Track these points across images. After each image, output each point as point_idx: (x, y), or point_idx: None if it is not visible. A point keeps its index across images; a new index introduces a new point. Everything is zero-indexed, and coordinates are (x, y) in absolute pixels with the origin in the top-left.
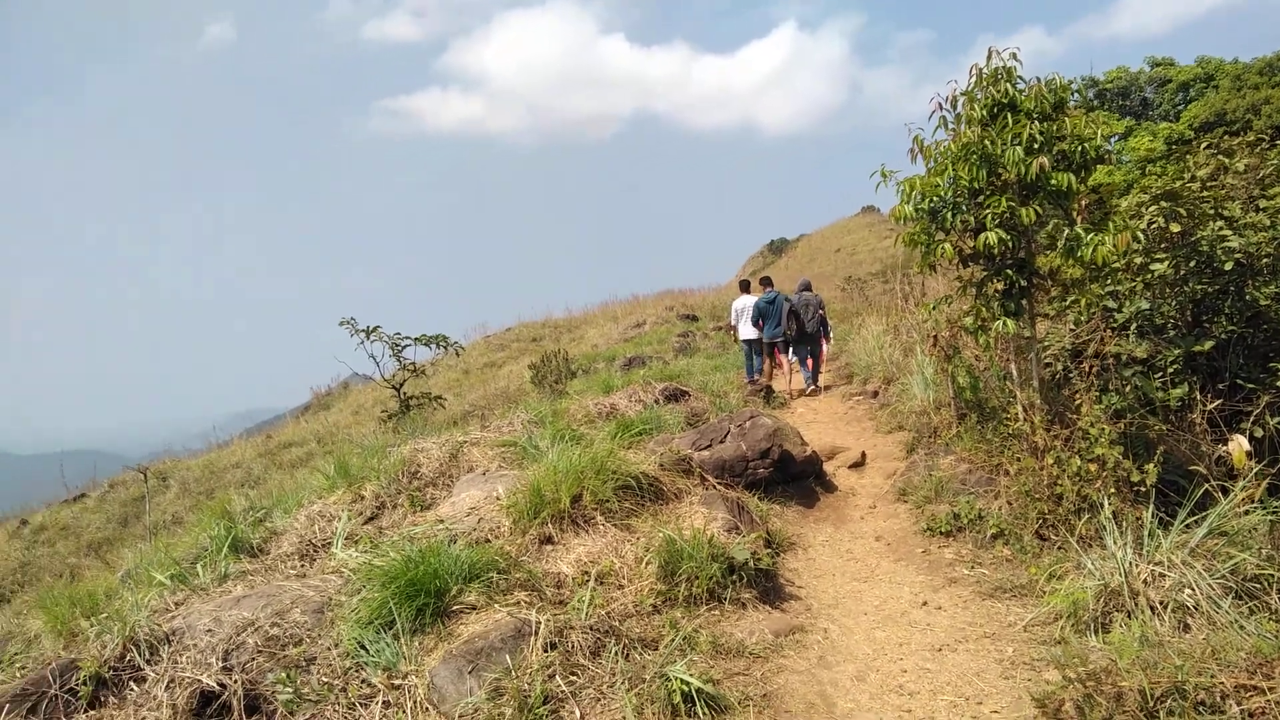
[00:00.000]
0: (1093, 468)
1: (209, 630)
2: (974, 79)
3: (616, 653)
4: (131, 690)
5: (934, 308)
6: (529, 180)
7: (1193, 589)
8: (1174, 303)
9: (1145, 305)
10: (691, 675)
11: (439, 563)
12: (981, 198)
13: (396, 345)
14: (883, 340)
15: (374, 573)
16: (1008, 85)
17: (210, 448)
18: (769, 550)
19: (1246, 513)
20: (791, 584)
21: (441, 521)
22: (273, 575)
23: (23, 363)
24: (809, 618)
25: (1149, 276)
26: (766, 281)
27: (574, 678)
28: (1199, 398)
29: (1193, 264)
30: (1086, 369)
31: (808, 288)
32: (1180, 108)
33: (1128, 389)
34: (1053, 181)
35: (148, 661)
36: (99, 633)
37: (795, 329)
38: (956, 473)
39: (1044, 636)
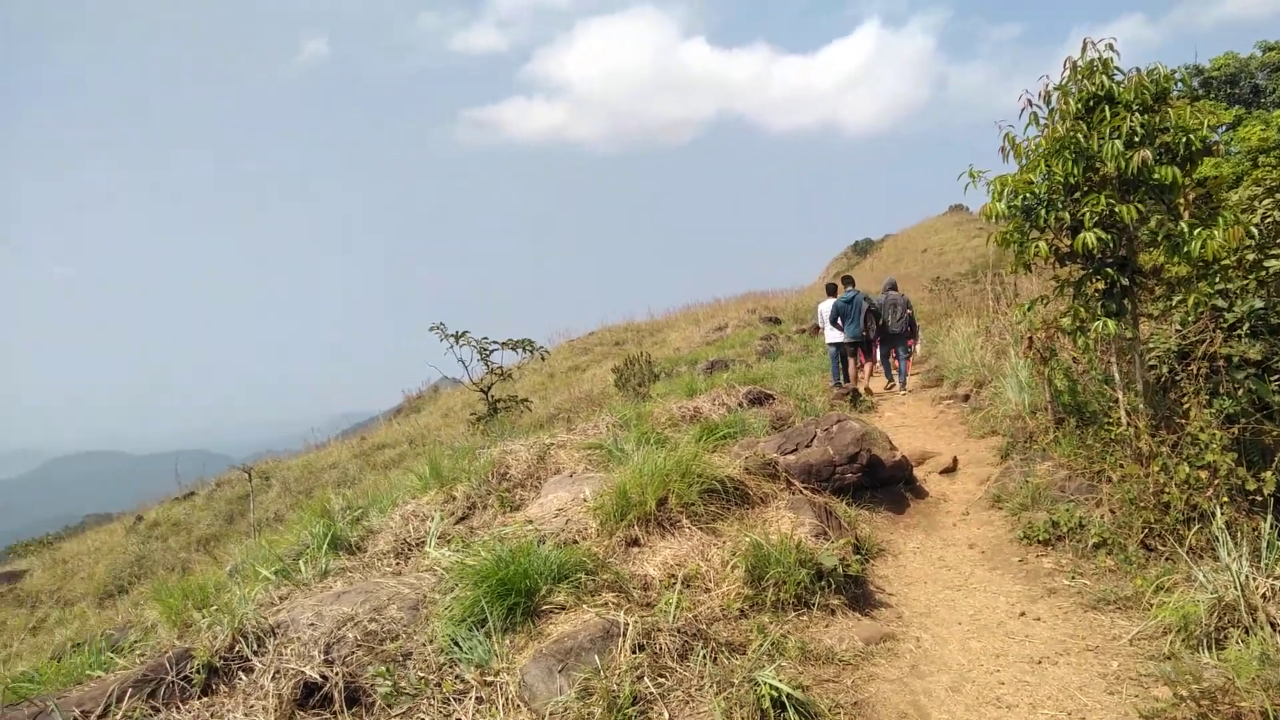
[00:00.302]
0: (1203, 475)
1: (311, 624)
2: (1068, 72)
3: (704, 656)
4: (240, 679)
5: (1029, 309)
6: (611, 186)
7: None
8: None
9: (1259, 304)
10: (781, 681)
11: (529, 563)
12: (1078, 194)
13: (484, 349)
14: (973, 342)
15: (466, 572)
16: (1104, 77)
17: (308, 449)
18: (858, 556)
19: None
20: (881, 591)
21: (530, 522)
22: (370, 572)
23: (141, 368)
24: (900, 626)
25: (1263, 274)
26: (848, 281)
27: (662, 680)
28: None
29: None
30: (1195, 371)
31: (893, 287)
32: None
33: (1240, 392)
34: (1155, 175)
35: (255, 652)
36: (210, 624)
37: (875, 329)
38: (1055, 479)
39: (1152, 651)
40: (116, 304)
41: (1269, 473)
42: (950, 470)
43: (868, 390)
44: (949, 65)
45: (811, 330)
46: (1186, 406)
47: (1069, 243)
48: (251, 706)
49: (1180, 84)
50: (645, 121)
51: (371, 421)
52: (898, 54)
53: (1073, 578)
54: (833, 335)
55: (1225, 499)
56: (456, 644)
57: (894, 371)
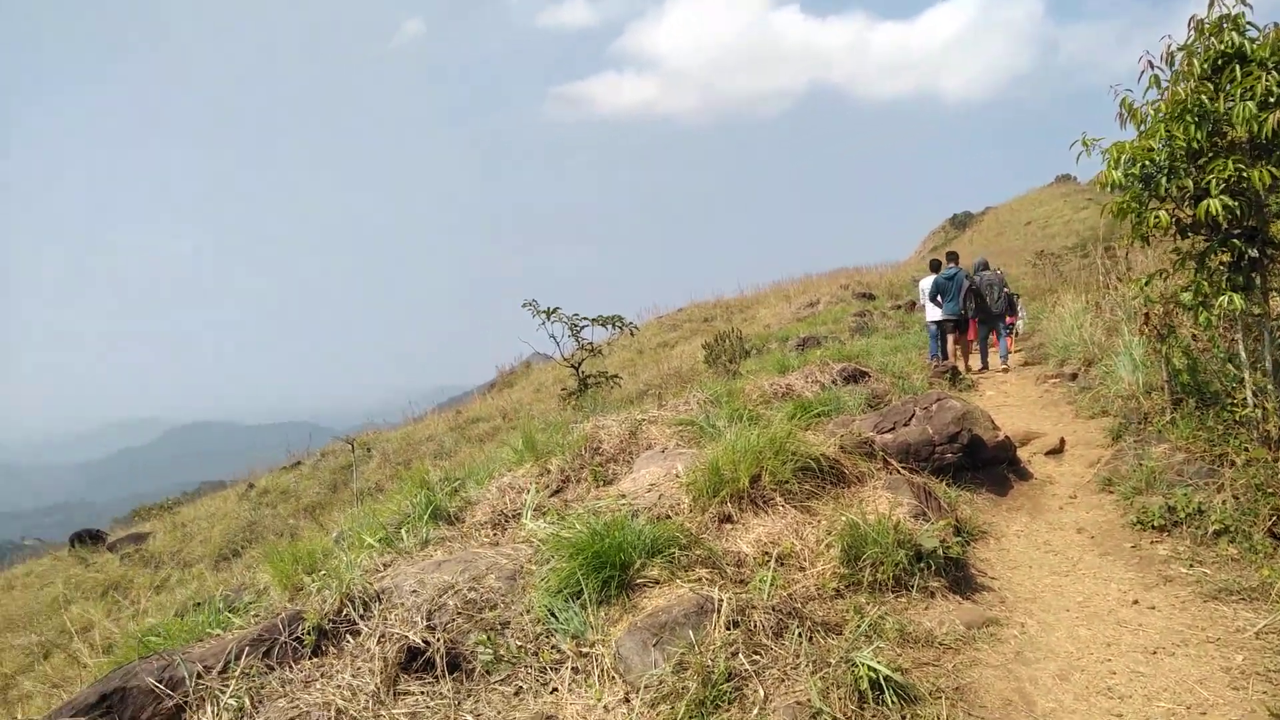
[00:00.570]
0: None
1: (414, 591)
2: (1193, 31)
3: (799, 635)
4: (348, 642)
5: (1146, 283)
6: (701, 161)
7: None
8: None
9: None
10: (879, 662)
11: (623, 537)
12: (1202, 160)
13: (575, 326)
14: (1082, 319)
15: (562, 544)
16: (1234, 34)
17: (406, 421)
18: (958, 539)
19: None
20: (983, 575)
21: (623, 497)
22: (468, 542)
23: (255, 343)
24: (1003, 610)
25: None
26: (952, 257)
27: (757, 657)
28: None
29: None
30: None
31: (985, 267)
32: None
33: None
34: None
35: (361, 616)
36: (319, 588)
37: (974, 308)
38: (1171, 463)
39: None
40: (232, 281)
41: None
42: (1056, 451)
43: (967, 368)
44: (1059, 28)
45: (907, 306)
46: None
47: (1191, 212)
48: (359, 668)
49: None
50: (737, 94)
51: (466, 396)
52: (1003, 17)
53: (1190, 566)
54: (933, 312)
55: None
56: (553, 615)
57: (990, 353)
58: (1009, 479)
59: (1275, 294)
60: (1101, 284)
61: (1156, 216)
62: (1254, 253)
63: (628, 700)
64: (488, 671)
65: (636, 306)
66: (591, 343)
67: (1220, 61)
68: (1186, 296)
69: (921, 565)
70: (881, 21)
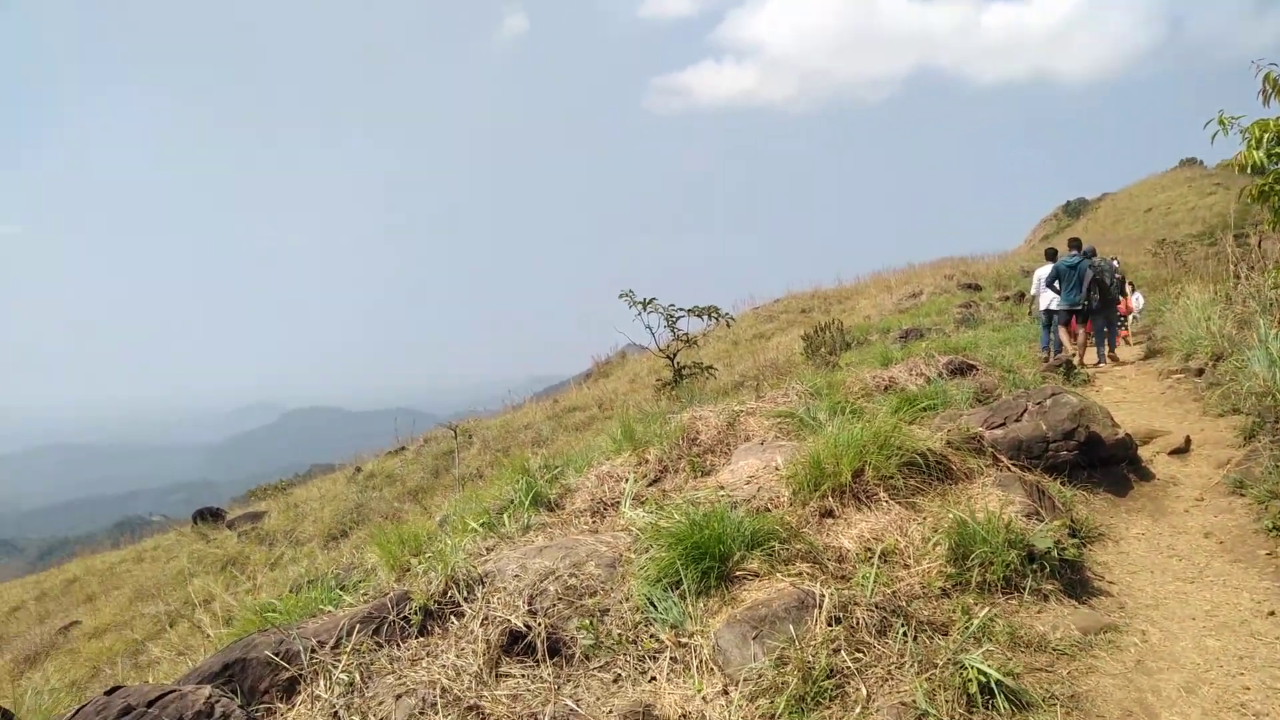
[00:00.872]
0: None
1: (516, 575)
2: None
3: (904, 634)
4: (452, 623)
5: None
6: (799, 149)
7: None
8: None
9: None
10: (989, 666)
11: (722, 528)
12: None
13: (670, 316)
14: (1209, 311)
15: (661, 533)
16: None
17: (505, 409)
18: (1074, 540)
19: None
20: (1100, 579)
21: (722, 488)
22: (568, 529)
23: (363, 332)
24: (1123, 617)
25: None
26: (1074, 244)
27: (859, 655)
28: None
29: None
30: None
31: (1093, 254)
32: None
33: None
34: None
35: (465, 599)
36: (425, 570)
37: (1096, 299)
38: None
39: None
40: (342, 273)
41: None
42: (1181, 451)
43: (1082, 362)
44: (1185, 3)
45: (1016, 297)
46: None
47: None
48: (463, 649)
49: None
50: (838, 80)
51: (562, 385)
52: None
53: None
54: (1048, 301)
55: None
56: (652, 604)
57: (1105, 346)
58: (1129, 479)
59: None
60: (1232, 273)
61: None
62: None
63: (726, 693)
64: (587, 657)
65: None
66: (687, 333)
67: None
68: None
69: (1034, 567)
70: (993, 2)
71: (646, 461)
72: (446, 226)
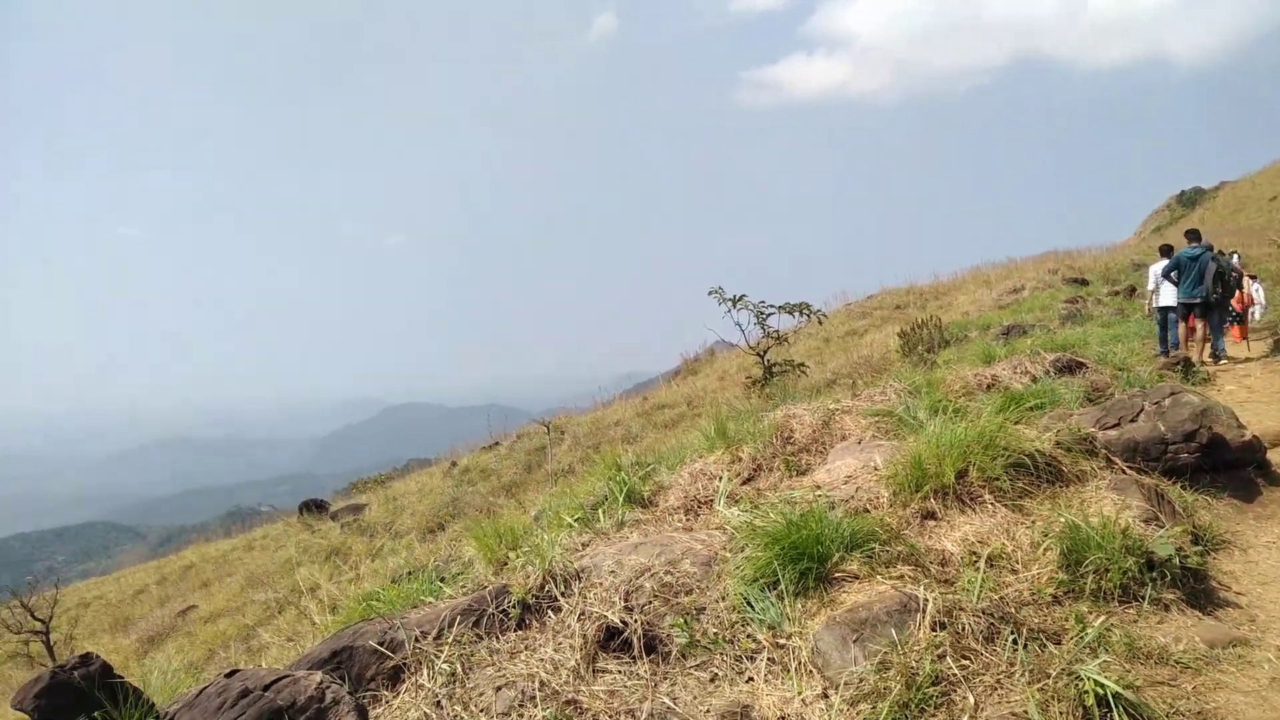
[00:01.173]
0: None
1: (611, 571)
2: None
3: (1013, 641)
4: (549, 617)
5: None
6: (893, 142)
7: None
8: None
9: None
10: (1107, 677)
11: (820, 529)
12: None
13: (761, 313)
14: None
15: (756, 533)
16: None
17: (595, 406)
18: (1197, 547)
19: None
20: (1227, 589)
21: (819, 488)
22: (662, 526)
23: (456, 328)
24: (1254, 630)
25: None
26: (1192, 235)
27: (966, 662)
28: None
29: None
30: None
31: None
32: None
33: None
34: None
35: (562, 594)
36: (523, 564)
37: (1219, 293)
38: None
39: None
40: (437, 270)
41: None
42: None
43: (1201, 359)
44: None
45: (1126, 292)
46: None
47: None
48: (560, 643)
49: None
50: (933, 70)
51: (651, 382)
52: None
53: None
54: (1165, 296)
55: None
56: (749, 603)
57: (1221, 338)
58: (1256, 484)
59: None
60: None
61: None
62: None
63: (826, 696)
64: (683, 655)
65: (824, 293)
66: (777, 330)
67: None
68: None
69: (1153, 575)
70: None
71: (740, 460)
72: (539, 226)
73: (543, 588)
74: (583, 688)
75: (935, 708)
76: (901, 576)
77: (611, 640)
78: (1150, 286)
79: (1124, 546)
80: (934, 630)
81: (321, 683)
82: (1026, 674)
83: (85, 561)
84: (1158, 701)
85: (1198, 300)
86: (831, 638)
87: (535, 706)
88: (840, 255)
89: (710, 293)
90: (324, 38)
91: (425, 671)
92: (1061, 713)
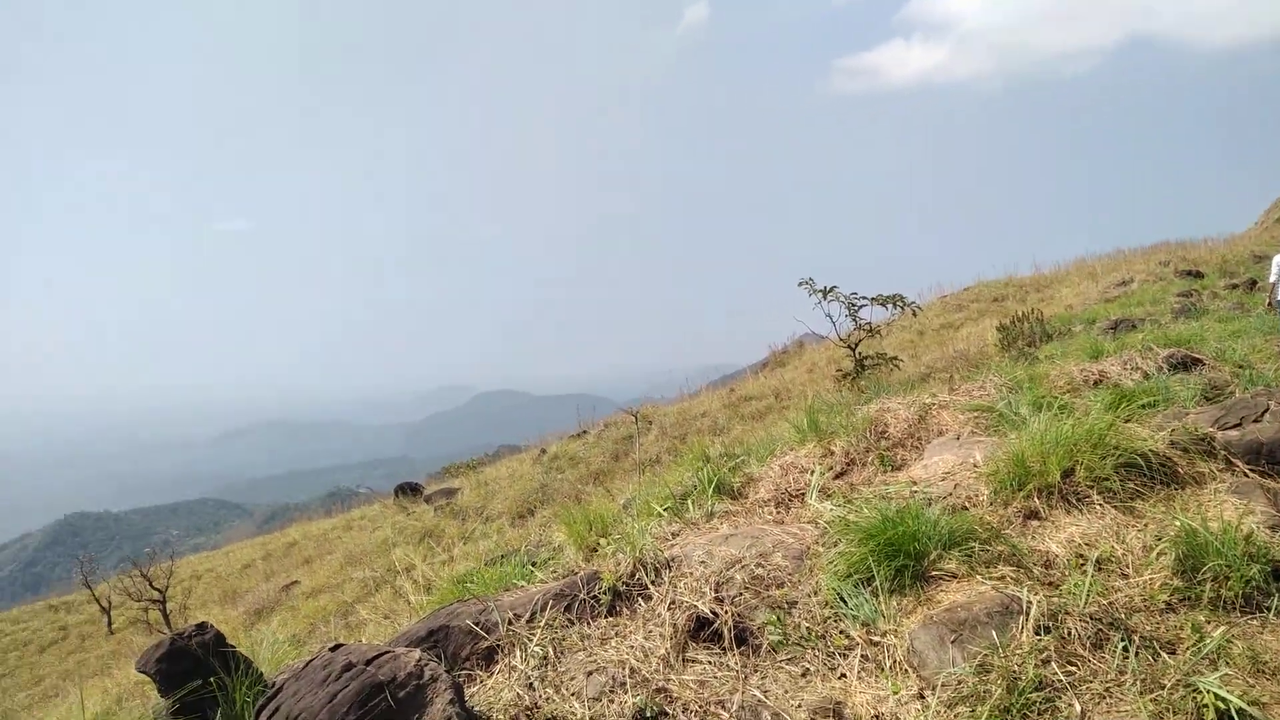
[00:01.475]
0: None
1: (702, 562)
2: None
3: (1124, 649)
4: (640, 605)
5: None
6: (995, 129)
7: None
8: None
9: None
10: (1229, 691)
11: (916, 525)
12: None
13: (852, 305)
14: None
15: (850, 528)
16: None
17: (681, 397)
18: None
19: None
20: None
21: (914, 484)
22: (752, 518)
23: (545, 317)
24: None
25: None
26: None
27: (1071, 668)
28: None
29: None
30: None
31: None
32: None
33: None
34: None
35: (652, 582)
36: (614, 551)
37: None
38: None
39: None
40: (529, 260)
41: None
42: None
43: None
44: None
45: (1246, 285)
46: None
47: None
48: (650, 631)
49: None
50: (1037, 54)
51: (738, 374)
52: None
53: None
54: None
55: None
56: (842, 599)
57: None
58: None
59: None
60: None
61: None
62: None
63: (922, 696)
64: (774, 649)
65: (919, 285)
66: (869, 323)
67: None
68: None
69: (1279, 585)
70: None
71: (832, 453)
72: (628, 217)
73: (633, 575)
74: (673, 676)
75: (1038, 715)
76: (1002, 577)
77: (701, 630)
78: (1272, 279)
79: (1247, 554)
80: (1037, 634)
81: (420, 660)
82: (1138, 683)
83: (196, 536)
84: None
85: None
86: (928, 637)
87: (625, 693)
88: (935, 246)
89: (800, 284)
90: (420, 30)
91: (518, 653)
92: None
